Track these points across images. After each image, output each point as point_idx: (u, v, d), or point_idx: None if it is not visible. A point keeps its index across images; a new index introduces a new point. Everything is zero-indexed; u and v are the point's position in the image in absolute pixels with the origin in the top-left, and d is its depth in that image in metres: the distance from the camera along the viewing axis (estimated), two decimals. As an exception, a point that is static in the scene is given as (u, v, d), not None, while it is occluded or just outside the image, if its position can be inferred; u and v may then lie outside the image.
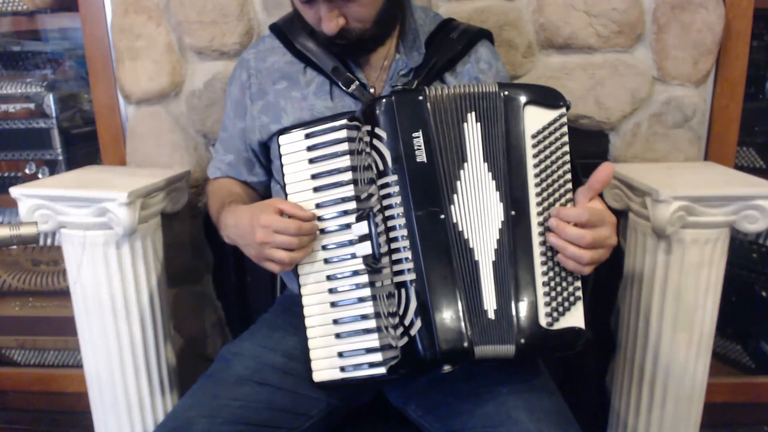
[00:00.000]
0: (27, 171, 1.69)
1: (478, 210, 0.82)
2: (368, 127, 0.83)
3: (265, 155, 1.11)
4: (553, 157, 0.83)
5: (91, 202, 1.13)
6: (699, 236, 1.13)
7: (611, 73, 1.35)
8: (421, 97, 0.82)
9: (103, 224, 1.14)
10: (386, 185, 0.81)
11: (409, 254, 0.79)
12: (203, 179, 1.43)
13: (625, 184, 1.24)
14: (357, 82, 1.00)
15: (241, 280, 1.47)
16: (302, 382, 0.91)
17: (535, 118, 0.83)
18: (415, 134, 0.81)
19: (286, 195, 0.90)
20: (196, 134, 1.43)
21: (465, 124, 0.83)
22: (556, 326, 0.80)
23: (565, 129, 0.83)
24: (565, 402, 0.89)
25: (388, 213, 0.81)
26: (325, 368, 0.87)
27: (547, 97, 0.84)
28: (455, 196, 0.81)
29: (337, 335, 0.86)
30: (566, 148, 0.83)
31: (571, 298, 0.81)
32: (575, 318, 0.80)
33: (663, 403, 1.21)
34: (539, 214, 0.81)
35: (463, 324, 0.77)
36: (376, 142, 0.82)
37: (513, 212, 0.81)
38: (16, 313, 1.81)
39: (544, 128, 0.83)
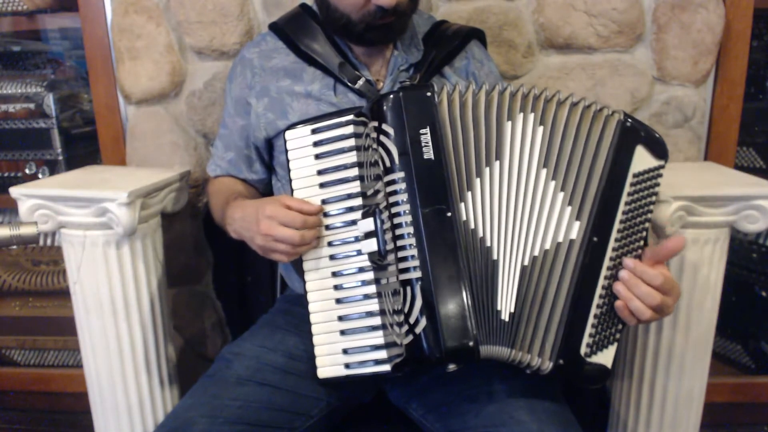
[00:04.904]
0: (27, 171, 1.69)
1: (511, 210, 0.81)
2: (375, 123, 0.82)
3: (268, 152, 1.11)
4: (642, 202, 0.82)
5: (91, 202, 1.12)
6: (699, 236, 1.13)
7: (611, 73, 1.35)
8: (429, 93, 0.82)
9: (103, 224, 1.14)
10: (393, 182, 0.81)
11: (415, 252, 0.79)
12: (203, 179, 1.43)
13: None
14: (363, 79, 1.00)
15: (241, 280, 1.46)
16: (303, 381, 0.91)
17: (641, 159, 0.82)
18: (422, 130, 0.80)
19: (292, 191, 0.89)
20: (196, 134, 1.43)
21: (509, 123, 0.82)
22: (592, 359, 0.81)
23: (659, 181, 0.83)
24: (566, 402, 0.90)
25: (394, 210, 0.80)
26: (329, 365, 0.86)
27: (657, 143, 0.83)
28: (469, 194, 0.80)
29: (342, 332, 0.85)
30: (654, 199, 0.83)
31: (611, 338, 0.82)
32: (608, 357, 0.81)
33: (663, 403, 1.21)
34: (614, 250, 0.81)
35: (469, 323, 0.77)
36: (383, 138, 0.81)
37: (595, 238, 0.81)
38: (16, 313, 1.81)
39: (645, 172, 0.82)
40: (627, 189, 0.82)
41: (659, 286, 0.78)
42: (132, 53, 1.38)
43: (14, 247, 1.75)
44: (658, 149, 0.83)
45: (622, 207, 0.81)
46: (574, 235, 0.81)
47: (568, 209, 0.81)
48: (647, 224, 0.82)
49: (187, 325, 1.56)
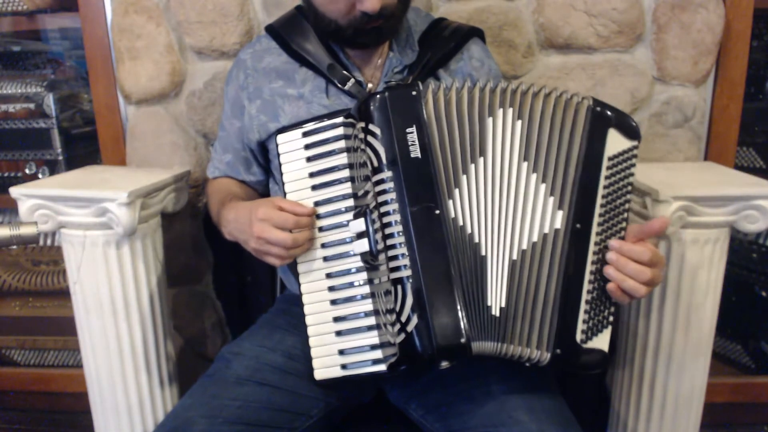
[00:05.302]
0: (27, 171, 1.69)
1: (497, 206, 0.81)
2: (363, 124, 0.83)
3: (263, 155, 1.11)
4: (621, 184, 0.83)
5: (91, 202, 1.13)
6: (699, 236, 1.13)
7: (611, 73, 1.35)
8: (414, 92, 0.82)
9: (103, 224, 1.14)
10: (381, 182, 0.81)
11: (404, 250, 0.79)
12: (203, 179, 1.43)
13: (625, 184, 1.24)
14: (353, 80, 1.00)
15: (241, 280, 1.47)
16: (302, 381, 0.91)
17: (614, 142, 0.83)
18: (408, 129, 0.81)
19: (284, 194, 0.90)
20: (196, 134, 1.43)
21: (491, 119, 0.83)
22: (588, 344, 0.81)
23: (635, 161, 0.83)
24: (565, 402, 0.90)
25: (383, 209, 0.81)
26: (326, 366, 0.86)
27: (628, 125, 0.84)
28: (457, 191, 0.81)
29: (338, 333, 0.86)
30: (631, 180, 0.83)
31: (605, 321, 0.82)
32: (603, 341, 0.82)
33: (663, 403, 1.21)
34: (598, 234, 0.82)
35: (460, 319, 0.77)
36: (370, 138, 0.82)
37: (578, 225, 0.81)
38: (16, 313, 1.81)
39: (620, 154, 0.83)
40: (604, 173, 0.83)
41: (648, 261, 0.79)
42: (132, 53, 1.38)
43: (14, 247, 1.75)
44: (630, 130, 0.84)
45: (601, 191, 0.82)
46: (558, 224, 0.82)
47: (551, 200, 0.82)
48: (628, 205, 0.83)
49: (187, 325, 1.56)
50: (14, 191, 1.14)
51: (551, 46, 1.36)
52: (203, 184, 1.44)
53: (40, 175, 1.68)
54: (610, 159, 0.83)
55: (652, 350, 1.20)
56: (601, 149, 0.83)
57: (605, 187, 0.82)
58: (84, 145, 1.69)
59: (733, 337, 1.72)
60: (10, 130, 1.66)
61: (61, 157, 1.67)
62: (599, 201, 0.82)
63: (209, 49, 1.37)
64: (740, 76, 1.38)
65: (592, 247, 0.82)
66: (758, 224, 1.11)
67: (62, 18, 1.63)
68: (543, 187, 0.82)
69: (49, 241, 1.74)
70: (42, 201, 1.14)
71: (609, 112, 0.84)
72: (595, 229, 0.82)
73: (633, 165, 0.83)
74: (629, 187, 0.83)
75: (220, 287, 1.56)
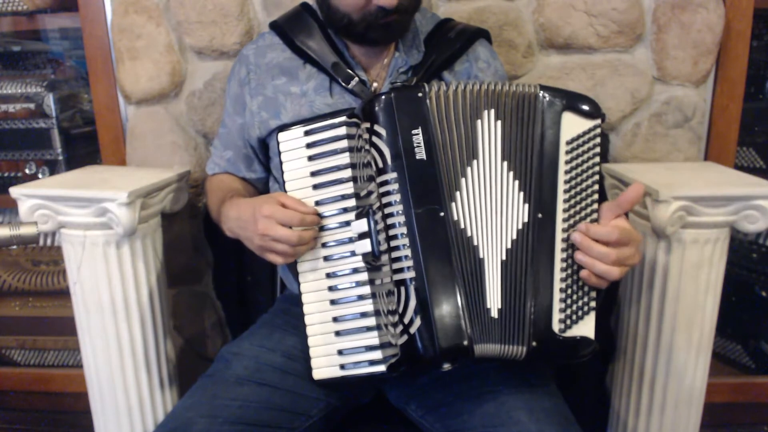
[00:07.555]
0: (27, 171, 1.69)
1: (488, 207, 0.82)
2: (367, 124, 0.83)
3: (263, 152, 1.11)
4: (584, 166, 0.82)
5: (91, 202, 1.13)
6: (699, 236, 1.13)
7: (611, 73, 1.35)
8: (420, 94, 0.82)
9: (103, 224, 1.14)
10: (385, 183, 0.81)
11: (408, 252, 0.79)
12: (203, 179, 1.43)
13: (624, 185, 1.24)
14: (357, 79, 1.00)
15: (241, 280, 1.47)
16: (302, 381, 0.91)
17: (571, 125, 0.83)
18: (414, 131, 0.81)
19: (285, 192, 0.89)
20: (196, 134, 1.43)
21: (479, 121, 0.83)
22: (568, 333, 0.80)
23: (598, 140, 0.83)
24: (565, 402, 0.90)
25: (387, 210, 0.81)
26: (325, 366, 0.86)
27: (585, 105, 0.83)
28: (458, 193, 0.81)
29: (337, 333, 0.86)
30: (597, 159, 0.83)
31: (585, 308, 0.81)
32: (587, 328, 0.81)
33: (663, 403, 1.21)
34: (565, 220, 0.81)
35: (462, 322, 0.77)
36: (375, 139, 0.82)
37: (540, 215, 0.81)
38: (16, 313, 1.81)
39: (579, 136, 0.83)
40: (563, 158, 0.82)
41: (615, 241, 0.78)
42: (132, 53, 1.38)
43: (14, 247, 1.75)
44: (588, 111, 0.83)
45: (562, 177, 0.82)
46: (526, 218, 0.82)
47: (521, 195, 0.82)
48: (596, 186, 0.82)
49: (187, 325, 1.56)
50: (14, 191, 1.14)
51: (551, 46, 1.36)
52: (203, 183, 1.44)
53: (40, 175, 1.68)
54: (568, 143, 0.83)
55: (652, 350, 1.20)
56: (556, 135, 0.83)
57: (566, 172, 0.82)
58: (84, 145, 1.69)
59: (733, 337, 1.72)
60: (10, 130, 1.66)
61: (61, 157, 1.67)
62: (561, 187, 0.82)
63: (209, 49, 1.37)
64: (740, 76, 1.38)
65: (559, 234, 0.81)
66: (758, 224, 1.11)
67: (62, 18, 1.64)
68: (516, 183, 0.82)
69: (49, 241, 1.74)
70: (42, 201, 1.14)
71: (559, 97, 0.83)
72: (560, 216, 0.81)
73: (597, 145, 0.83)
74: (596, 168, 0.82)
75: (220, 287, 1.56)
